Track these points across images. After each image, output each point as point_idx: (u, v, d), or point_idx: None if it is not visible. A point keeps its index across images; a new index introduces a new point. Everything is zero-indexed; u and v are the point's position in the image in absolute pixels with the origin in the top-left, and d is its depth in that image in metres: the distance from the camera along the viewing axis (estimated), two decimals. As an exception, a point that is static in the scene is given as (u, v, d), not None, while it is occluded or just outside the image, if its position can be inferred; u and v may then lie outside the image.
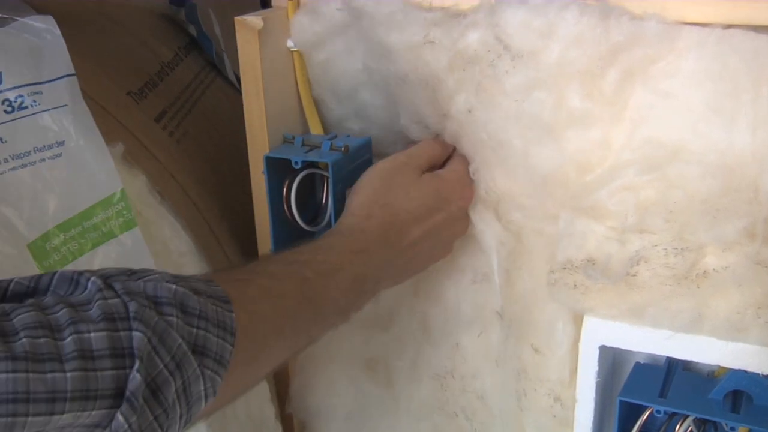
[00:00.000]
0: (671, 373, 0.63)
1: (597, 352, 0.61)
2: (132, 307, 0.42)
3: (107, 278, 0.44)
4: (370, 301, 0.61)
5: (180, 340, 0.44)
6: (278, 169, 0.67)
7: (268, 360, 0.53)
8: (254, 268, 0.56)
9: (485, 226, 0.66)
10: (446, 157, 0.68)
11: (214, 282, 0.49)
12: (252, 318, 0.50)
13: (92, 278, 0.44)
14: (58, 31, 0.64)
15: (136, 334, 0.42)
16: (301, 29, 0.67)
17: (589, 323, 0.60)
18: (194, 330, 0.45)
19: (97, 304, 0.42)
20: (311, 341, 0.58)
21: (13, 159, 0.61)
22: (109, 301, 0.42)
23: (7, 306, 0.40)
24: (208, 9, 1.07)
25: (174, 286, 0.45)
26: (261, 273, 0.55)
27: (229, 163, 0.86)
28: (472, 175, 0.66)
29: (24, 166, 0.62)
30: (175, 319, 0.44)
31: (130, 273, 0.46)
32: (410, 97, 0.65)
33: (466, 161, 0.67)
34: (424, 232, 0.63)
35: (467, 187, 0.66)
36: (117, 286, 0.44)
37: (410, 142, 0.70)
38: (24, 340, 0.38)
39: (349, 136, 0.71)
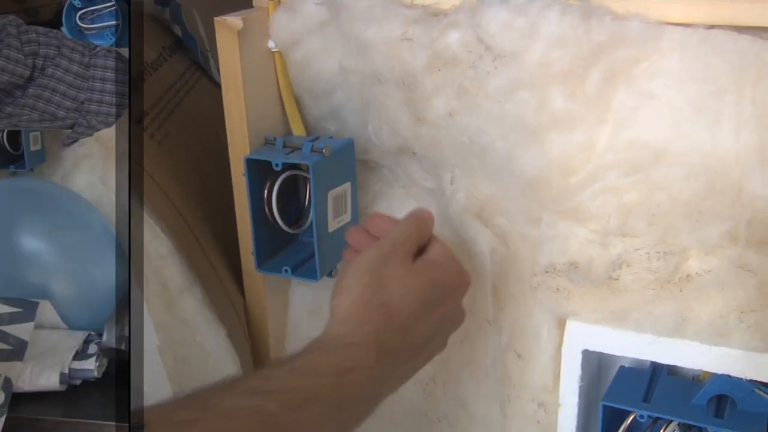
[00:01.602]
0: (655, 378, 0.63)
1: (580, 356, 0.60)
2: None
3: None
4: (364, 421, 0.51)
5: None
6: (259, 170, 0.67)
7: None
8: (206, 401, 0.45)
9: (476, 233, 0.64)
10: (432, 230, 0.59)
11: (147, 428, 0.41)
12: None
13: None
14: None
15: None
16: (279, 28, 0.66)
17: (572, 327, 0.60)
18: None
19: None
20: None
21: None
22: None
23: None
24: (192, 9, 1.06)
25: None
26: (212, 409, 0.45)
27: (214, 163, 0.85)
28: (449, 183, 0.65)
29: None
30: None
31: None
32: (384, 100, 0.64)
33: (445, 242, 0.60)
34: (425, 333, 0.54)
35: (465, 272, 0.58)
36: None
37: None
38: None
39: (331, 137, 0.70)
